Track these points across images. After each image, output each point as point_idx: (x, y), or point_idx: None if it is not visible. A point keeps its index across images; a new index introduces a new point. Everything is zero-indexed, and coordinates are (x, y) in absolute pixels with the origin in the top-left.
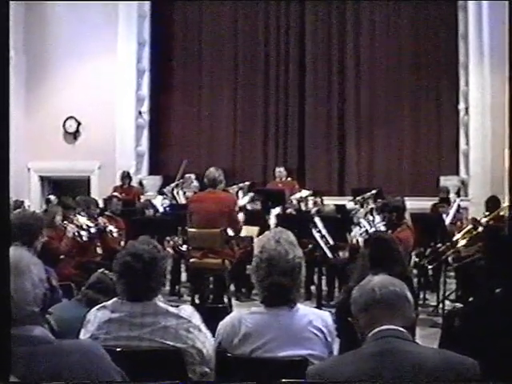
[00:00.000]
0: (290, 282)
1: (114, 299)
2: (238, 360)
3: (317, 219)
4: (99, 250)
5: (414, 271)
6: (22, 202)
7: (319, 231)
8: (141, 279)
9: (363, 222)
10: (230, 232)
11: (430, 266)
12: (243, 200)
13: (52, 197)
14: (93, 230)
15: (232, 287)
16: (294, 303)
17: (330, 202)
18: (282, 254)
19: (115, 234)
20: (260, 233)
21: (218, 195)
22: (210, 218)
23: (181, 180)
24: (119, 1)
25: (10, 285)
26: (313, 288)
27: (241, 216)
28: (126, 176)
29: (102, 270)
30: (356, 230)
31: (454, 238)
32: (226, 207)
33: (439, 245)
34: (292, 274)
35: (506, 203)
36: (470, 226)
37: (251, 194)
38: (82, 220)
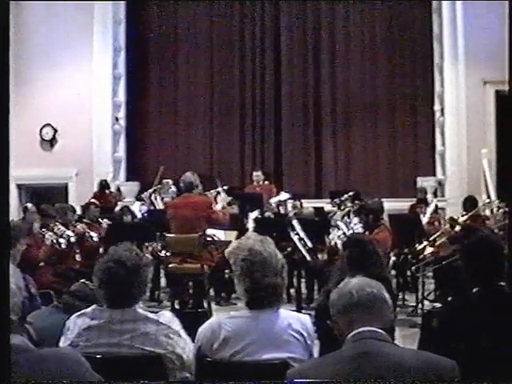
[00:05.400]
0: (282, 281)
1: (94, 306)
2: (218, 364)
3: (295, 222)
4: (78, 258)
5: (393, 272)
6: None
7: (297, 234)
8: (123, 286)
9: (341, 224)
10: (212, 232)
11: (413, 268)
12: (219, 205)
13: (29, 205)
14: (71, 238)
15: (211, 292)
16: (281, 303)
17: (308, 204)
18: (272, 255)
19: (95, 239)
20: (238, 237)
21: (193, 200)
22: (188, 223)
23: (158, 186)
24: (95, 1)
25: (8, 291)
26: (292, 291)
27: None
28: (103, 185)
29: (82, 280)
30: (334, 233)
31: (432, 238)
32: (202, 211)
33: (417, 245)
34: (282, 273)
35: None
36: (447, 226)
37: (228, 199)
38: (61, 228)
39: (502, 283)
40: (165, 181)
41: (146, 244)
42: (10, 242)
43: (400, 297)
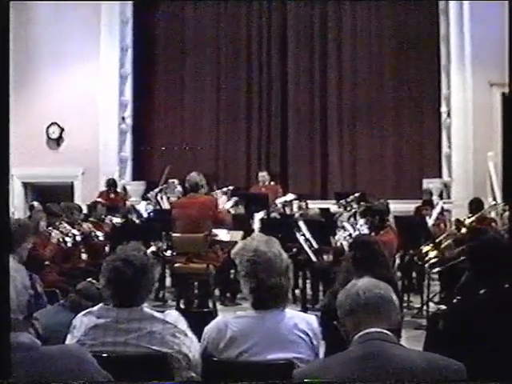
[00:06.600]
0: (287, 282)
1: (100, 305)
2: (224, 364)
3: (300, 223)
4: (84, 256)
5: (398, 274)
6: None
7: (303, 235)
8: (130, 285)
9: (347, 225)
10: (218, 232)
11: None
12: (227, 204)
13: (35, 203)
14: (77, 237)
15: (217, 292)
16: (286, 304)
17: (314, 205)
18: (277, 256)
19: (101, 238)
20: (244, 237)
21: (199, 199)
22: (193, 223)
23: (164, 185)
24: (102, 1)
25: (8, 289)
26: (297, 292)
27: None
28: (111, 183)
29: (89, 279)
30: (340, 234)
31: (437, 240)
32: (208, 210)
33: (422, 247)
34: (287, 274)
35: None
36: (453, 228)
37: (235, 199)
38: (67, 226)
39: (508, 285)
40: (171, 180)
41: (152, 243)
42: (9, 241)
43: (405, 298)
